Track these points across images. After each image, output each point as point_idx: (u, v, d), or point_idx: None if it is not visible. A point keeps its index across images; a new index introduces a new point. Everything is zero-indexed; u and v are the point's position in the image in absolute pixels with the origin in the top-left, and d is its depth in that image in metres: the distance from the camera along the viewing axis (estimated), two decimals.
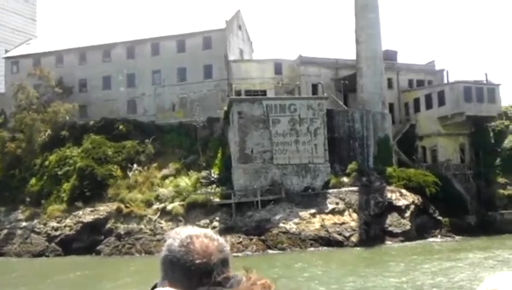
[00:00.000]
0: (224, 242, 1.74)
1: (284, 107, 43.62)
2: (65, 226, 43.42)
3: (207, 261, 1.63)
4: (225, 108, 47.67)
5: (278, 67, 53.10)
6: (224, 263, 1.66)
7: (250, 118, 43.51)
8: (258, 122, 43.41)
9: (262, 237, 38.16)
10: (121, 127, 50.73)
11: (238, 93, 51.44)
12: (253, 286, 1.04)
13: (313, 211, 39.75)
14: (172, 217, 42.43)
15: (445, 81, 55.53)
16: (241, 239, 38.07)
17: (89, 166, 46.16)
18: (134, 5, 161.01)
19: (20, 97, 53.22)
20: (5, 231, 45.31)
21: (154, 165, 47.80)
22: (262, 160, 43.00)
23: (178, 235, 1.72)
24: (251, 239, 38.00)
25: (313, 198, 41.31)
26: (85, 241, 42.24)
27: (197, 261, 1.63)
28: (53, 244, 42.48)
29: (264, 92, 51.44)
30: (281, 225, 38.90)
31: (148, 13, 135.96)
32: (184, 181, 45.20)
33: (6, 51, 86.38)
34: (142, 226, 42.22)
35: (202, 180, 44.76)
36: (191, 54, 53.09)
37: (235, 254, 36.48)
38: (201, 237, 1.70)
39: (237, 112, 43.61)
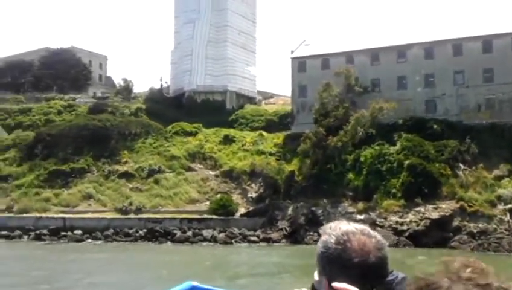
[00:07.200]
0: (383, 239, 1.69)
1: None
2: (410, 221, 45.29)
3: (365, 259, 1.59)
4: None
5: None
6: (383, 261, 1.62)
7: None
8: None
9: None
10: (435, 126, 51.90)
11: None
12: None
13: None
14: None
15: None
16: None
17: (421, 164, 47.72)
18: (424, 6, 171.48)
19: (324, 96, 56.27)
20: None
21: (480, 165, 48.34)
22: None
23: (334, 231, 1.68)
24: None
25: None
26: (433, 237, 43.76)
27: (355, 260, 1.59)
28: (402, 238, 44.49)
29: None
30: None
31: (447, 14, 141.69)
32: None
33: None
34: (495, 226, 42.93)
35: None
36: (498, 55, 52.96)
37: None
38: (358, 234, 1.66)
39: None
